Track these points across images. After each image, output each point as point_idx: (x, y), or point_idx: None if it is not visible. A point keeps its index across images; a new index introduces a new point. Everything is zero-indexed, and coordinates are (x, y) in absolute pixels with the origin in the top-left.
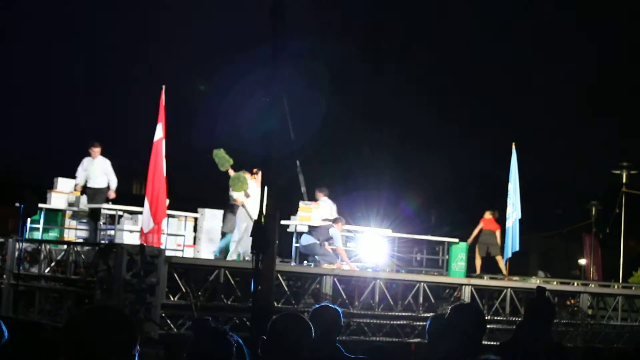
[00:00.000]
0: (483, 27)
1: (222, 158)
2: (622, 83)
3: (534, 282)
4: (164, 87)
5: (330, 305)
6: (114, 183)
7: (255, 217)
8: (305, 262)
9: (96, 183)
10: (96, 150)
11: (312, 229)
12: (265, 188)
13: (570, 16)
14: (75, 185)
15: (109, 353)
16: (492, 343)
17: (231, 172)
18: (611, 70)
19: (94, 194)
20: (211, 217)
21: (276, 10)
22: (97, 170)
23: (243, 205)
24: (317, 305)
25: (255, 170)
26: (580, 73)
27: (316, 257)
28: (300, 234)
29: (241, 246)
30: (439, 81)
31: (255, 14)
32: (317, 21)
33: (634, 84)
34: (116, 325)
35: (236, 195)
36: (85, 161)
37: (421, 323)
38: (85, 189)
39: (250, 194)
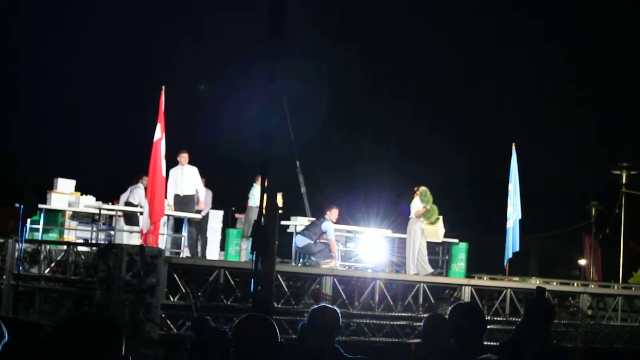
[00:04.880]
0: (482, 27)
1: (429, 197)
2: (622, 82)
3: (533, 283)
4: (163, 87)
5: (329, 306)
6: (202, 193)
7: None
8: (301, 260)
9: (186, 190)
10: (185, 156)
11: (304, 229)
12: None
13: (569, 15)
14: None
15: (94, 357)
16: (492, 343)
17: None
18: (611, 70)
19: (186, 202)
20: (211, 217)
21: (276, 10)
22: (187, 177)
23: None
24: (315, 306)
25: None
26: (580, 72)
27: (312, 257)
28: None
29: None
30: (439, 81)
31: (255, 14)
32: (318, 21)
33: (634, 82)
34: (101, 330)
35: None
36: (174, 172)
37: (421, 323)
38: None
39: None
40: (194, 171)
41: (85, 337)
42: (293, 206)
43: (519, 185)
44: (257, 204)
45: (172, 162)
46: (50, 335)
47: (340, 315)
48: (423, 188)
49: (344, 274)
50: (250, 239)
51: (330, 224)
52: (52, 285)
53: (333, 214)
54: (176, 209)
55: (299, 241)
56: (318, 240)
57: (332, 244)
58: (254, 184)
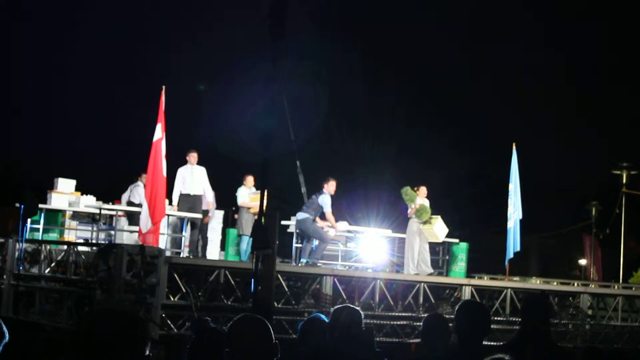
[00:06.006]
0: (481, 26)
1: (411, 195)
2: (623, 82)
3: (533, 283)
4: (164, 87)
5: (351, 306)
6: (210, 194)
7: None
8: (301, 260)
9: (196, 190)
10: (194, 156)
11: (304, 205)
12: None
13: (569, 14)
14: (172, 203)
15: (118, 354)
16: (492, 343)
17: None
18: (611, 69)
19: (195, 202)
20: (211, 217)
21: (276, 11)
22: (197, 177)
23: None
24: (339, 306)
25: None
26: (580, 72)
27: (309, 258)
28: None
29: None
30: (439, 81)
31: (256, 14)
32: (318, 22)
33: (634, 82)
34: (127, 326)
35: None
36: (183, 170)
37: (421, 323)
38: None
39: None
40: (202, 171)
41: (110, 334)
42: (293, 206)
43: (519, 185)
44: (243, 201)
45: (172, 162)
46: (74, 331)
47: (362, 315)
48: (404, 188)
49: (344, 274)
50: (246, 237)
51: (326, 197)
52: (52, 285)
53: (330, 186)
54: (184, 209)
55: (299, 216)
56: (316, 217)
57: (329, 216)
58: (243, 185)
